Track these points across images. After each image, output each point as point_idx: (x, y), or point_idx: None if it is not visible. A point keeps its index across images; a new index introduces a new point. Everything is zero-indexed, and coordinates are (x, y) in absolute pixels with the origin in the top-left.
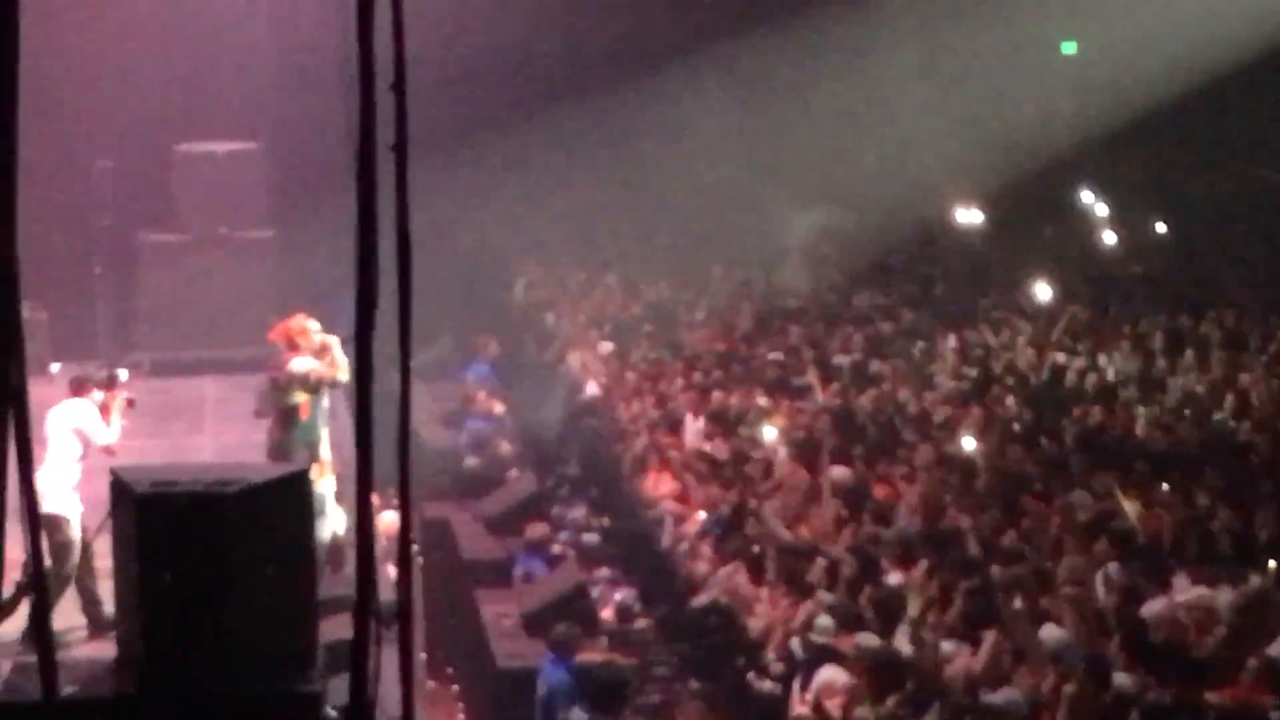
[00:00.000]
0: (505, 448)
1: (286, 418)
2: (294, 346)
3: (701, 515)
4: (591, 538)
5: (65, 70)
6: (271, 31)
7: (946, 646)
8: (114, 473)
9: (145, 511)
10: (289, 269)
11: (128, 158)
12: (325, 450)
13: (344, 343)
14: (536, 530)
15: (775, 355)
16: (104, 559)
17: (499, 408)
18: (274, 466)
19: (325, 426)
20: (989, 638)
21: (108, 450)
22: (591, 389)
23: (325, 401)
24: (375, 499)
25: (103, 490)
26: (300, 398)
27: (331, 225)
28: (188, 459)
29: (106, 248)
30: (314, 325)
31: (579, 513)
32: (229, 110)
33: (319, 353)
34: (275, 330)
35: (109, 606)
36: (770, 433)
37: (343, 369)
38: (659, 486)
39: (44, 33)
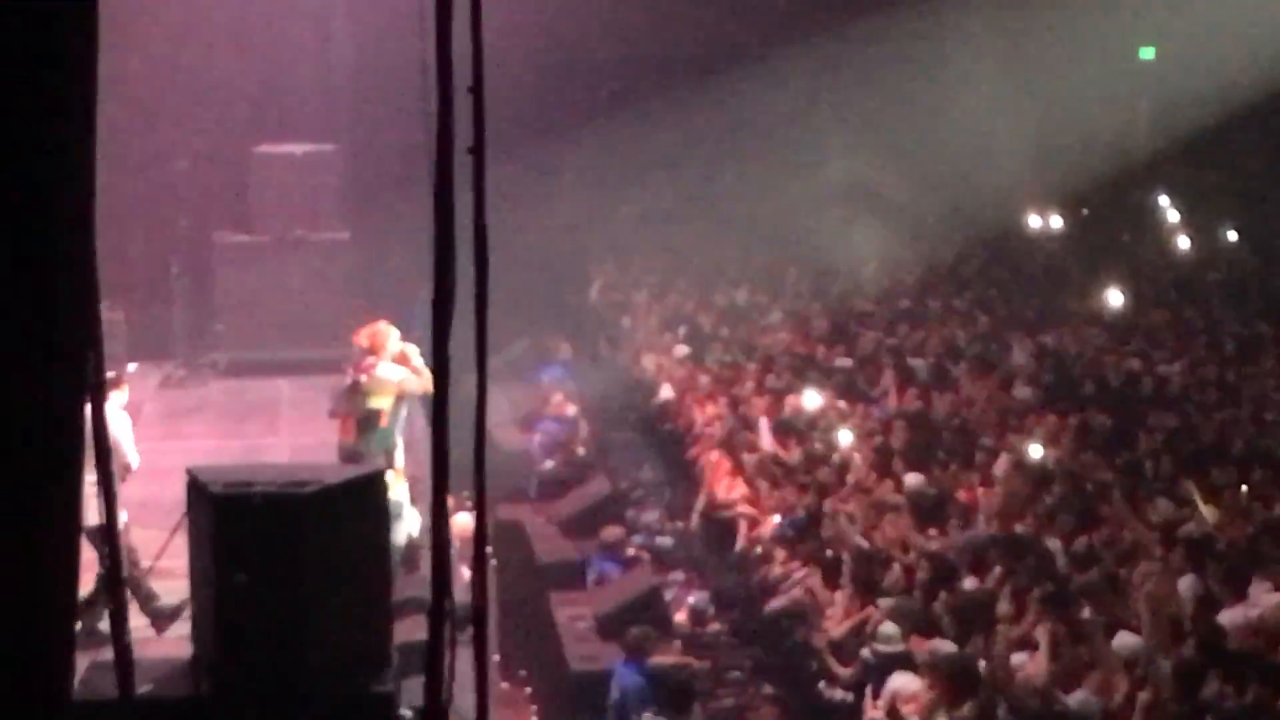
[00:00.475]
0: (579, 450)
1: (366, 422)
2: (374, 351)
3: (775, 519)
4: (665, 541)
5: (144, 72)
6: (349, 34)
7: (1019, 653)
8: (190, 473)
9: (221, 511)
10: (365, 270)
11: (206, 159)
12: (400, 457)
13: (422, 352)
14: (610, 533)
15: (849, 360)
16: (177, 558)
17: (573, 410)
18: (350, 467)
19: (402, 435)
20: (1043, 634)
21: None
22: (665, 392)
23: (404, 410)
24: (450, 501)
25: (176, 490)
26: (384, 403)
27: (407, 227)
28: (263, 459)
29: (184, 248)
30: (395, 332)
31: (653, 516)
32: (307, 112)
33: (398, 359)
34: (359, 333)
35: (165, 599)
36: (845, 437)
37: (427, 380)
38: (733, 490)
39: (123, 34)
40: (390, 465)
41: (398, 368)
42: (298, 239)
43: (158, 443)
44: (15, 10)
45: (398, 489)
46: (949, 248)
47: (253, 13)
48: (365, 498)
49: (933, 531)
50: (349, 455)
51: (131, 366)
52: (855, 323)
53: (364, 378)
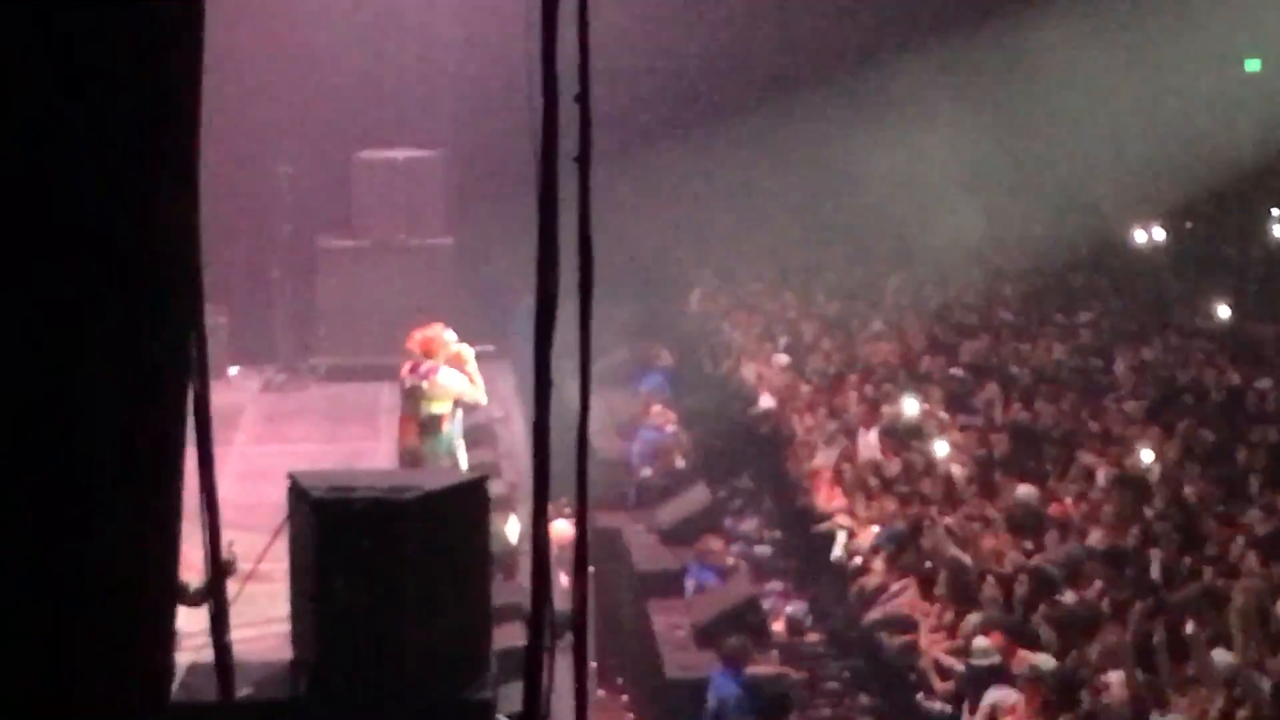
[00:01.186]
0: (678, 459)
1: (429, 426)
2: (429, 355)
3: (874, 530)
4: (764, 550)
5: (248, 76)
6: (453, 40)
7: (1116, 669)
8: (292, 477)
9: (323, 517)
10: (467, 276)
11: (309, 164)
12: (463, 458)
13: (478, 356)
14: (709, 542)
15: (951, 370)
16: (278, 562)
17: (672, 419)
18: (451, 473)
19: (461, 437)
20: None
21: None
22: (765, 401)
23: (459, 413)
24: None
25: (277, 494)
26: (444, 408)
27: (510, 233)
28: (363, 464)
29: (286, 253)
30: (451, 335)
31: (751, 525)
32: (410, 117)
33: (453, 361)
34: (412, 337)
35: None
36: (944, 448)
37: (480, 389)
38: (831, 500)
39: (227, 39)
40: (454, 467)
41: (457, 375)
42: (400, 244)
43: (258, 446)
44: (123, 17)
45: None
46: (1053, 258)
47: (356, 18)
48: (467, 504)
49: (1031, 544)
50: (411, 459)
51: (233, 370)
52: (957, 333)
53: (425, 384)
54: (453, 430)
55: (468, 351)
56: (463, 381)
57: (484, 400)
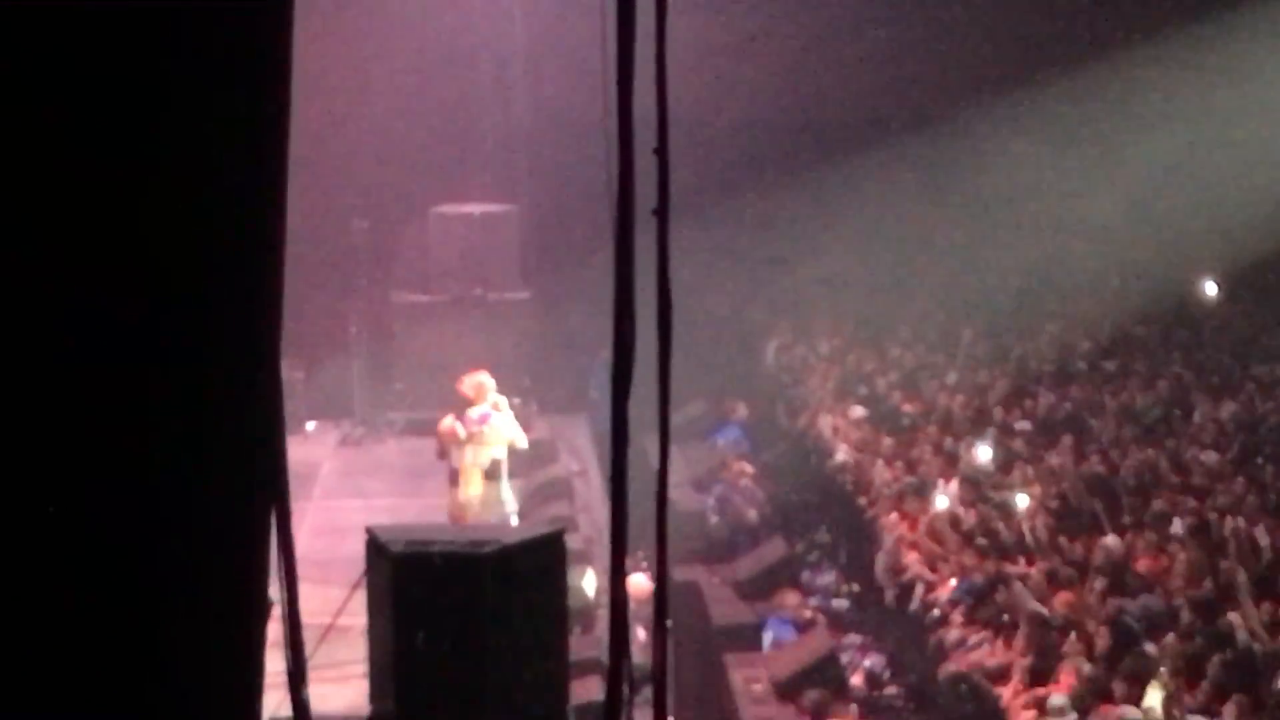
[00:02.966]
0: (755, 512)
1: (492, 471)
2: (478, 399)
3: (952, 582)
4: (841, 603)
5: (326, 131)
6: (529, 94)
7: None
8: (370, 531)
9: (400, 571)
10: (544, 330)
11: (385, 218)
12: (512, 502)
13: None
14: (787, 596)
15: (1027, 422)
16: (356, 616)
17: (749, 471)
18: (528, 528)
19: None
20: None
21: None
22: (842, 454)
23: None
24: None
25: (354, 547)
26: (502, 452)
27: (587, 287)
28: (440, 518)
29: (363, 307)
30: (490, 382)
31: (829, 578)
32: (486, 172)
33: (494, 408)
34: (463, 381)
35: None
36: (1023, 500)
37: (521, 433)
38: (909, 553)
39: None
40: (511, 512)
41: (508, 419)
42: (476, 299)
43: (335, 501)
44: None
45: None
46: (1130, 310)
47: (432, 73)
48: (544, 558)
49: (1111, 596)
50: (477, 505)
51: (310, 425)
52: (1034, 385)
53: (486, 428)
54: (508, 475)
55: (503, 401)
56: (513, 425)
57: (525, 444)
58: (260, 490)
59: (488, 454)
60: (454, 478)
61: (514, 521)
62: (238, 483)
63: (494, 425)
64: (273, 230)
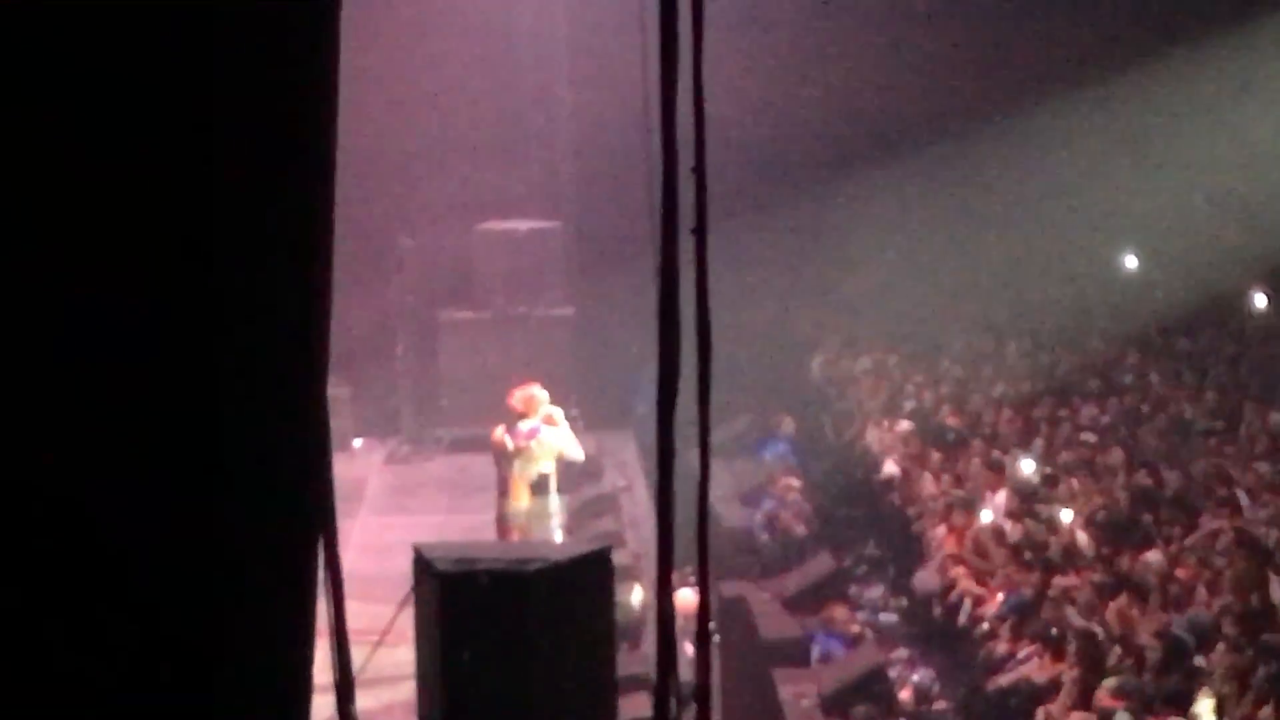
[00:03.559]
0: (802, 527)
1: (540, 485)
2: (528, 413)
3: (1000, 596)
4: (889, 617)
5: (369, 148)
6: (573, 111)
7: None
8: (417, 549)
9: (447, 589)
10: (589, 347)
11: (430, 236)
12: (559, 516)
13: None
14: (834, 610)
15: (1075, 434)
16: (403, 634)
17: (796, 486)
18: (575, 544)
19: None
20: None
21: None
22: (889, 467)
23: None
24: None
25: (401, 565)
26: (551, 466)
27: (632, 303)
28: (487, 534)
29: (408, 325)
30: (543, 395)
31: (877, 592)
32: (530, 189)
33: (546, 421)
34: (513, 394)
35: None
36: (1068, 514)
37: (575, 444)
38: (957, 567)
39: (348, 111)
40: (557, 525)
41: (560, 431)
42: (521, 316)
43: (382, 518)
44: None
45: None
46: (1177, 320)
47: (477, 91)
48: (591, 574)
49: (1160, 610)
50: (525, 519)
51: (357, 442)
52: (1081, 397)
53: (534, 443)
54: (556, 488)
55: (558, 413)
56: (565, 438)
57: (581, 457)
58: (308, 508)
59: (535, 468)
60: (503, 488)
61: (558, 535)
62: (285, 500)
63: (542, 440)
64: (321, 246)
